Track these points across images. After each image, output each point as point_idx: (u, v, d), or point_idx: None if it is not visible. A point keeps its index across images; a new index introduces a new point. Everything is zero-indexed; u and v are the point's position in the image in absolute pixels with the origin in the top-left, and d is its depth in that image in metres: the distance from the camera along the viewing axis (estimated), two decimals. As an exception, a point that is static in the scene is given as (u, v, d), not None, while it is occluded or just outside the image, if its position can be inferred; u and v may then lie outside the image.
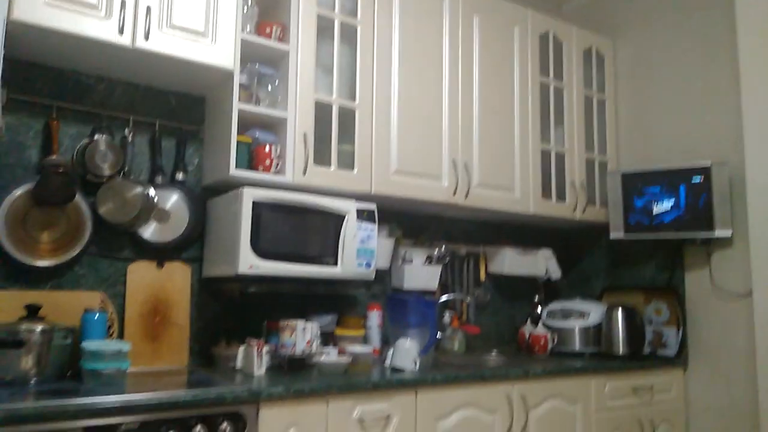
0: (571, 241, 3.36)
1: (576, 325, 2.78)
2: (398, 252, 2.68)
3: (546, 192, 2.88)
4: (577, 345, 2.77)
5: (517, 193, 2.75)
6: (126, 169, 2.12)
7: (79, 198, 2.02)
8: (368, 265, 2.26)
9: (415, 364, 2.14)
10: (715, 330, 2.70)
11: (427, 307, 2.35)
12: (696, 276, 2.79)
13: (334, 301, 2.57)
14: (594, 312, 2.80)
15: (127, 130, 2.15)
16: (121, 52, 1.93)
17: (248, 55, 2.19)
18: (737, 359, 2.61)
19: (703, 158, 2.75)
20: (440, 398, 2.07)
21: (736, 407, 2.60)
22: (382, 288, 2.71)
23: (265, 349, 2.03)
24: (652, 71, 3.06)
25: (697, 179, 2.67)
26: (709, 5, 2.83)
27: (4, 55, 1.48)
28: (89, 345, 1.75)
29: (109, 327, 2.02)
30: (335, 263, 2.19)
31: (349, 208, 2.24)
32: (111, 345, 1.77)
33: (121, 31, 1.87)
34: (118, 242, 2.14)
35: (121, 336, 2.07)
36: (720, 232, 2.60)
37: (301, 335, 2.05)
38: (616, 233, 2.88)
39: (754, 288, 2.50)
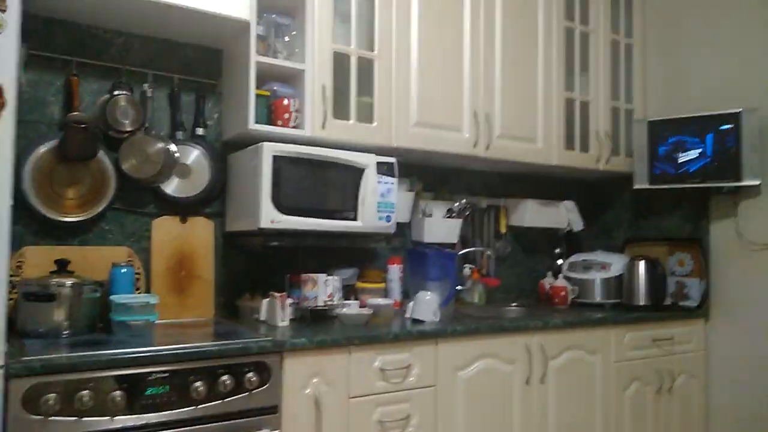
0: (594, 192, 3.32)
1: (597, 276, 2.78)
2: (418, 205, 2.68)
3: (569, 142, 2.82)
4: (597, 296, 2.78)
5: (539, 144, 2.71)
6: (147, 124, 2.13)
7: (102, 154, 2.04)
8: (388, 218, 2.26)
9: (435, 316, 2.17)
10: (739, 281, 2.67)
11: (447, 259, 2.36)
12: (721, 226, 2.74)
13: (355, 255, 2.60)
14: (616, 263, 2.79)
15: (146, 85, 2.15)
16: (137, 5, 1.91)
17: (265, 4, 2.15)
18: (761, 310, 2.59)
19: (733, 104, 2.66)
20: (460, 349, 2.11)
21: (757, 358, 2.60)
22: (403, 241, 2.72)
23: (288, 301, 2.07)
24: (682, 16, 2.93)
25: (725, 126, 2.60)
26: (746, -58, 2.68)
27: (22, 11, 1.47)
28: (118, 298, 1.81)
29: (137, 281, 2.08)
30: (355, 217, 2.20)
31: (368, 161, 2.23)
32: (139, 298, 1.82)
33: (135, -17, 1.84)
34: (141, 198, 2.16)
35: (147, 290, 2.12)
36: (748, 181, 2.54)
37: (323, 288, 2.09)
38: (641, 183, 2.83)
39: (782, 239, 2.46)
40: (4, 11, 1.43)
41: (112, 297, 1.82)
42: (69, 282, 1.78)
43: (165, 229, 2.17)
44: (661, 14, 3.03)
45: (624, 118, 3.02)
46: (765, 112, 2.56)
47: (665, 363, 2.63)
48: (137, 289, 2.08)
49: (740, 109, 2.55)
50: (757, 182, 2.53)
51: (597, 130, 2.89)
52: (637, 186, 2.84)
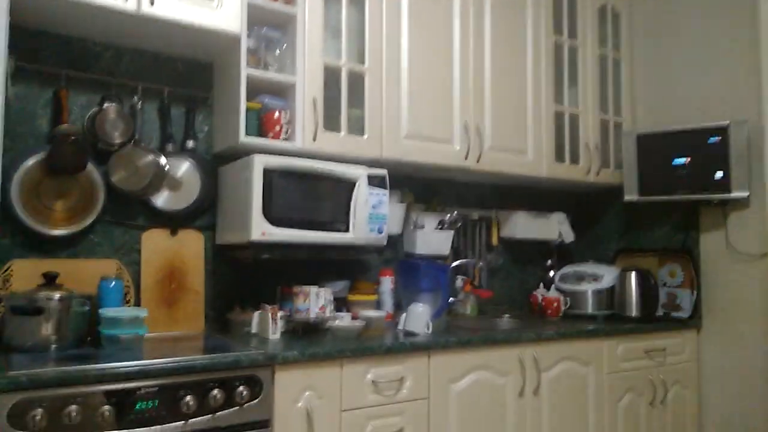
0: (584, 204, 3.34)
1: (589, 288, 2.78)
2: (410, 217, 2.68)
3: (559, 155, 2.84)
4: (590, 308, 2.77)
5: (529, 156, 2.72)
6: (136, 137, 2.12)
7: (91, 167, 2.02)
8: (380, 230, 2.26)
9: (428, 328, 2.16)
10: (729, 292, 2.68)
11: (439, 271, 2.35)
12: (711, 238, 2.76)
13: (347, 267, 2.59)
14: (607, 275, 2.80)
15: (136, 98, 2.14)
16: (127, 18, 1.90)
17: (255, 18, 2.15)
18: (752, 321, 2.60)
19: (720, 118, 2.69)
20: (453, 361, 2.09)
21: (749, 369, 2.60)
22: (394, 253, 2.72)
23: (280, 314, 2.06)
24: (669, 29, 2.97)
25: (714, 139, 2.62)
26: (730, -42, 2.73)
27: (10, 23, 1.47)
28: (107, 312, 1.78)
29: (126, 294, 2.06)
30: (347, 229, 2.19)
31: (359, 173, 2.23)
32: (128, 311, 1.80)
33: (126, -4, 1.84)
34: (131, 210, 2.15)
35: (137, 303, 2.10)
36: (737, 193, 2.56)
37: (315, 300, 2.07)
38: (631, 195, 2.85)
39: (771, 249, 2.48)
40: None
41: (100, 310, 1.80)
42: (57, 295, 1.76)
43: (155, 242, 2.15)
44: (648, 29, 3.07)
45: (613, 130, 3.04)
46: (752, 125, 2.59)
47: (658, 374, 2.63)
48: (126, 303, 2.06)
49: (728, 122, 2.58)
50: (745, 194, 2.55)
51: (587, 143, 2.91)
52: (627, 198, 2.86)
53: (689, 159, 2.69)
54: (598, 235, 3.26)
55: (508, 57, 2.68)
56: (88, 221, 2.02)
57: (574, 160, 2.89)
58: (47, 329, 1.73)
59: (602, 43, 3.04)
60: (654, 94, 3.03)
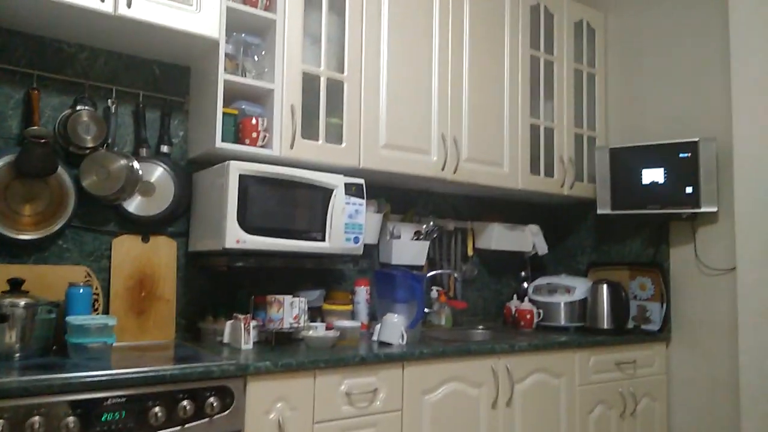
0: (558, 216, 3.38)
1: (561, 300, 2.81)
2: (386, 227, 2.67)
3: (534, 167, 2.87)
4: (562, 320, 2.80)
5: (505, 168, 2.74)
6: (109, 140, 2.08)
7: (61, 170, 1.98)
8: (356, 240, 2.25)
9: (402, 338, 2.15)
10: (698, 305, 2.73)
11: (415, 282, 2.35)
12: (681, 251, 2.81)
13: (322, 276, 2.57)
14: (579, 287, 2.83)
15: (110, 101, 2.11)
16: (103, 20, 1.87)
17: (234, 23, 2.14)
18: (719, 334, 2.65)
19: (691, 133, 2.76)
20: (427, 372, 2.09)
21: (717, 381, 2.65)
22: (370, 263, 2.71)
23: (253, 323, 2.03)
24: (643, 45, 3.04)
25: (684, 155, 2.68)
26: (702, -21, 2.81)
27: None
28: (74, 320, 1.74)
29: (95, 301, 2.01)
30: (323, 238, 2.18)
31: (337, 182, 2.22)
32: (96, 319, 1.76)
33: (102, -3, 1.81)
34: (102, 215, 2.10)
35: (106, 310, 2.05)
36: (706, 208, 2.62)
37: (289, 310, 2.05)
38: (604, 209, 2.89)
39: (738, 263, 2.53)
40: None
41: (68, 318, 1.75)
42: (22, 302, 1.70)
43: (126, 248, 2.11)
44: (622, 45, 3.14)
45: (587, 144, 3.09)
46: (722, 140, 2.66)
47: (628, 386, 2.66)
48: (95, 310, 2.01)
49: (698, 139, 2.64)
50: (714, 209, 2.61)
51: (561, 156, 2.95)
52: (600, 211, 2.90)
53: (660, 173, 2.74)
54: (571, 248, 3.29)
55: (486, 70, 2.71)
56: (57, 226, 1.97)
57: (549, 173, 2.92)
58: (11, 337, 1.68)
59: (578, 58, 3.09)
60: (627, 109, 3.09)
